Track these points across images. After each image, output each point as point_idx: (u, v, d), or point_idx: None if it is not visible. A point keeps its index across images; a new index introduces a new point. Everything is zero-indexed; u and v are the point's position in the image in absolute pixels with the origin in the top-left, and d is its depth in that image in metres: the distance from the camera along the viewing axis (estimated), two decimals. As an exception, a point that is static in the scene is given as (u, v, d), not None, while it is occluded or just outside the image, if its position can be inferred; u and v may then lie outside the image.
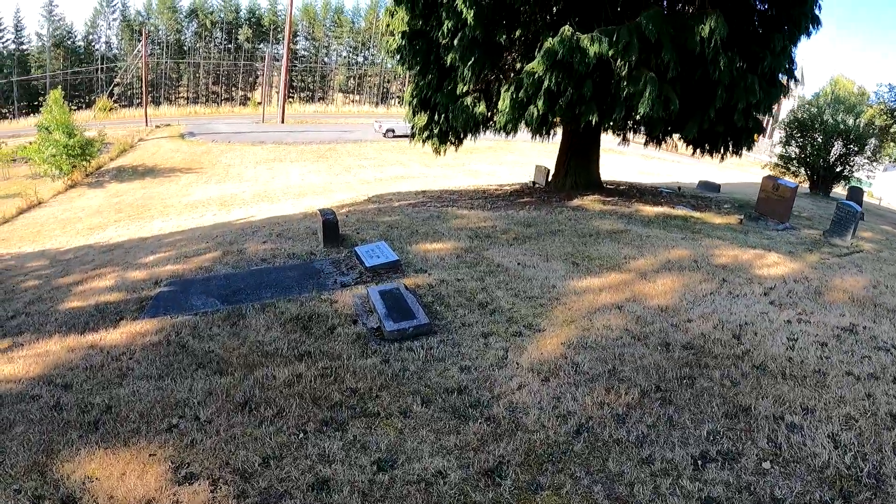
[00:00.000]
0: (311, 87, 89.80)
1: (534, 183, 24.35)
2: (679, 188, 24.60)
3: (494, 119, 17.61)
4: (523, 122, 16.69)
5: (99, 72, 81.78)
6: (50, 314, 10.48)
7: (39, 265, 17.99)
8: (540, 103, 15.65)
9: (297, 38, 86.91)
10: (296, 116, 66.62)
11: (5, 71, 76.09)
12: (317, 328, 8.36)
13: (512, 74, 18.26)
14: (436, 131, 20.52)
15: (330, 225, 12.43)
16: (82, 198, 35.00)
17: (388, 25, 20.34)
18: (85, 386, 7.15)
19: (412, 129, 21.54)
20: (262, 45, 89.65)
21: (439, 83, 19.12)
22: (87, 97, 79.53)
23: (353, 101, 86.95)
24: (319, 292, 9.84)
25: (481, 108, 17.89)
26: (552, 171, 23.47)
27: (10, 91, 75.87)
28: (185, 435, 5.77)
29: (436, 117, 20.07)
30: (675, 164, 46.85)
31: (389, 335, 7.81)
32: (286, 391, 6.51)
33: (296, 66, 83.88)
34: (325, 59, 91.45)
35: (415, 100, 20.49)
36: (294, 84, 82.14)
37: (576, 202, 18.38)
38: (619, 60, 14.95)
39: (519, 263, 11.19)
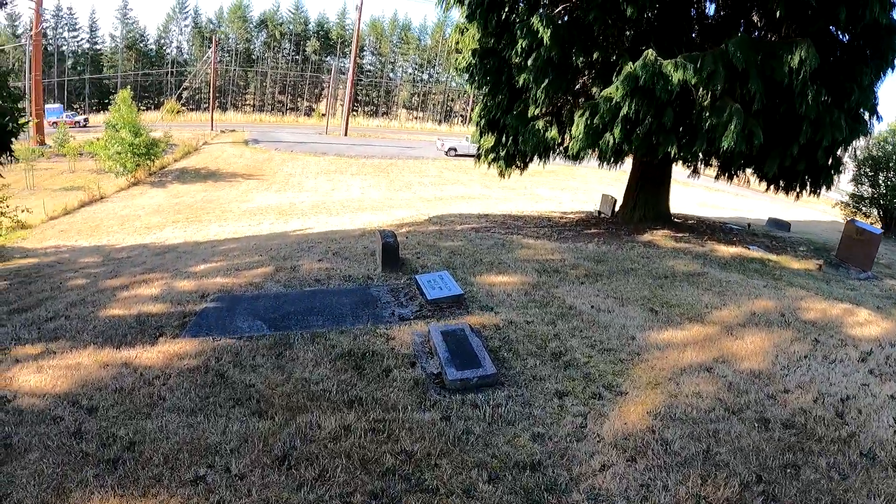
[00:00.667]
0: (375, 102, 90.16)
1: (599, 213, 23.24)
2: (749, 225, 23.16)
3: (566, 145, 16.61)
4: (597, 149, 15.66)
5: (169, 75, 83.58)
6: (89, 320, 9.83)
7: (91, 262, 17.65)
8: (616, 131, 14.65)
9: (364, 53, 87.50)
10: (359, 130, 66.70)
11: (78, 69, 78.22)
12: (370, 368, 7.44)
13: (583, 99, 17.32)
14: (502, 154, 19.61)
15: (390, 248, 11.58)
16: (143, 196, 35.14)
17: (456, 43, 19.60)
18: (111, 412, 6.38)
19: (478, 150, 20.67)
20: (328, 58, 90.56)
21: (509, 104, 18.23)
22: (157, 99, 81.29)
23: (415, 118, 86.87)
24: (375, 324, 8.94)
25: (553, 133, 16.93)
26: (618, 202, 22.37)
27: (83, 88, 78.03)
28: (213, 492, 4.89)
29: (503, 139, 19.18)
30: (739, 197, 44.75)
31: (451, 384, 6.84)
32: (332, 446, 5.58)
33: (361, 80, 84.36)
34: (391, 75, 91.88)
35: (483, 120, 19.63)
36: (358, 98, 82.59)
37: (646, 237, 17.18)
38: (701, 89, 13.91)
39: (593, 306, 10.12)
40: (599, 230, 18.75)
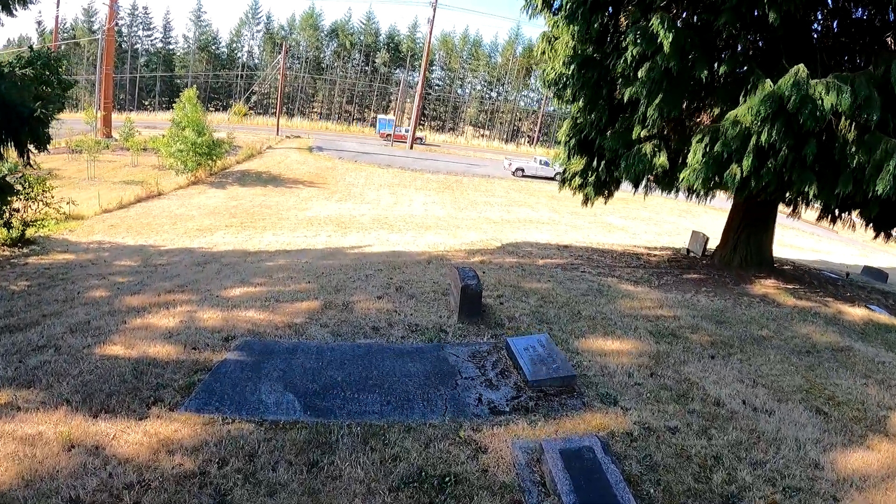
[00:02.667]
0: (442, 117, 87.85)
1: (689, 251, 20.12)
2: (847, 275, 19.77)
3: (679, 174, 13.55)
4: (720, 182, 12.60)
5: (238, 78, 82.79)
6: (80, 359, 7.34)
7: (126, 266, 15.44)
8: (746, 163, 11.68)
9: (433, 67, 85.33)
10: (425, 144, 64.37)
11: (151, 66, 78.09)
12: (452, 510, 4.62)
13: (700, 122, 14.34)
14: (591, 179, 16.59)
15: (470, 293, 8.81)
16: (201, 196, 33.33)
17: (543, 53, 16.74)
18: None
19: (563, 174, 17.67)
20: (397, 71, 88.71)
21: (608, 123, 15.26)
22: (225, 101, 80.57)
23: (482, 136, 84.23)
24: (457, 419, 6.17)
25: (661, 159, 13.86)
26: (710, 240, 19.27)
27: (154, 85, 77.90)
28: None
29: (594, 163, 16.18)
30: (814, 237, 40.19)
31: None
32: None
33: (429, 94, 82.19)
34: (459, 91, 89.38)
35: (572, 140, 16.57)
36: (426, 112, 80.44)
37: (757, 288, 14.08)
38: (843, 118, 11.12)
39: (745, 401, 7.19)
40: (699, 275, 15.63)
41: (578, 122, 16.35)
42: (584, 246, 21.13)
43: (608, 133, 15.11)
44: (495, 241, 20.96)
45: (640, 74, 12.74)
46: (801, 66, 11.03)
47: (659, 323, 9.94)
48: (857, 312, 12.93)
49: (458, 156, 58.54)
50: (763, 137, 11.20)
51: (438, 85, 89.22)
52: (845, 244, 35.12)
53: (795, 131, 11.19)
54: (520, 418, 6.25)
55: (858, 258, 29.16)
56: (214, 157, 38.19)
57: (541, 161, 49.77)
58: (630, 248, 21.25)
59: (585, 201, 17.62)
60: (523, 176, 48.13)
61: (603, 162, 15.79)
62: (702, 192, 16.71)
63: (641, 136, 14.05)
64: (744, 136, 11.53)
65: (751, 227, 17.16)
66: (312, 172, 41.63)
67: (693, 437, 6.14)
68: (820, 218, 17.04)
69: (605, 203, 18.04)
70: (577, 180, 17.09)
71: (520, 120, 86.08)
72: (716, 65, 13.46)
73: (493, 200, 37.74)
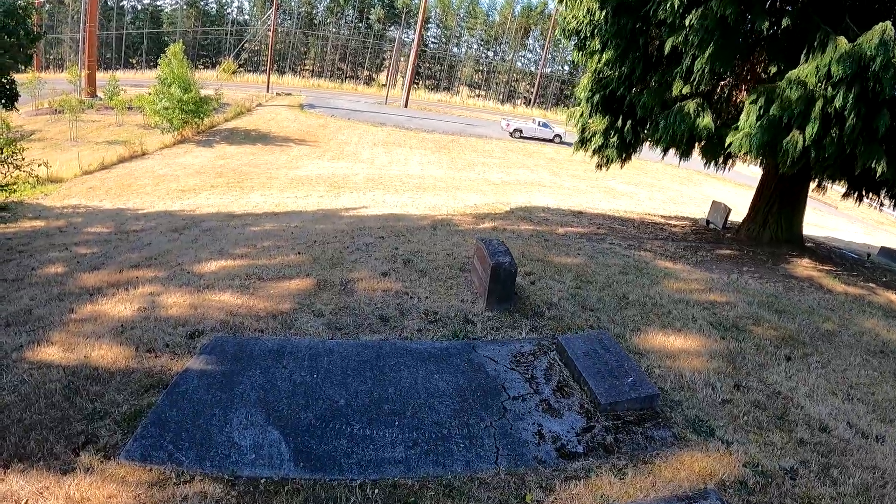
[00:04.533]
0: (437, 76, 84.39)
1: (708, 222, 18.18)
2: (868, 255, 17.94)
3: (727, 139, 11.53)
4: (777, 150, 10.66)
5: (228, 35, 78.74)
6: (4, 370, 5.37)
7: (97, 233, 13.44)
8: (810, 130, 9.76)
9: (429, 25, 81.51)
10: (419, 103, 61.47)
11: (137, 24, 74.44)
12: None
13: (743, 82, 12.37)
14: (614, 140, 14.50)
15: (504, 274, 6.85)
16: (187, 155, 31.03)
17: (560, 1, 14.62)
18: None
19: (581, 133, 15.53)
20: (392, 28, 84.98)
21: (642, 77, 13.14)
22: (214, 58, 76.73)
23: (478, 96, 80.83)
24: (515, 469, 4.35)
25: (706, 120, 11.82)
26: (731, 211, 17.42)
27: (141, 43, 74.08)
28: None
29: (619, 122, 14.06)
30: (815, 211, 38.07)
31: None
32: None
33: (424, 52, 78.72)
34: (455, 50, 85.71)
35: (595, 96, 14.37)
36: (420, 71, 76.97)
37: (797, 269, 12.32)
38: None
39: (849, 423, 5.48)
40: (732, 251, 13.77)
41: (603, 76, 14.18)
42: (599, 213, 19.18)
43: (641, 89, 13.06)
44: (502, 205, 18.95)
45: (688, 22, 10.68)
46: (888, 23, 9.09)
47: (716, 311, 8.09)
48: (902, 301, 11.18)
49: (454, 115, 55.83)
50: (837, 102, 9.39)
51: (434, 43, 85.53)
52: (849, 221, 33.13)
53: (870, 98, 9.41)
54: (601, 464, 4.39)
55: (864, 236, 27.32)
56: (202, 115, 35.68)
57: (539, 122, 47.46)
58: (647, 217, 19.35)
59: (604, 164, 15.61)
60: (521, 137, 45.77)
61: (629, 121, 13.72)
62: (723, 162, 14.90)
63: (683, 92, 12.02)
64: (807, 99, 9.72)
65: (782, 201, 15.30)
66: (304, 130, 39.19)
67: (816, 483, 4.44)
68: (846, 196, 15.40)
69: (607, 169, 16.04)
70: (597, 141, 15.00)
71: (517, 81, 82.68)
72: (781, 18, 11.40)
73: (491, 161, 35.55)
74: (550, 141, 45.54)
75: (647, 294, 8.47)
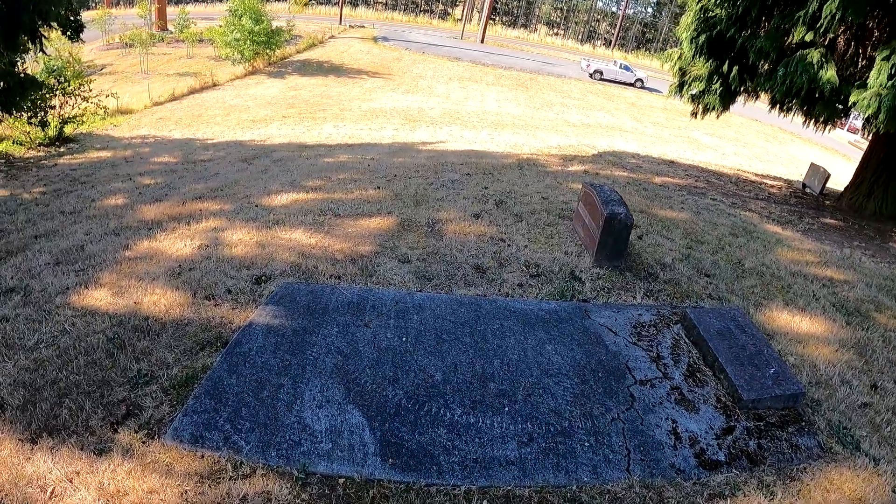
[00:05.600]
0: (514, 13, 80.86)
1: (804, 185, 16.31)
2: None
3: (850, 97, 9.94)
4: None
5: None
6: (46, 317, 4.74)
7: (164, 163, 12.84)
8: None
9: (507, -43, 78.29)
10: (495, 38, 58.85)
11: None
12: None
13: (870, 34, 10.73)
14: (717, 87, 12.84)
15: (618, 227, 5.73)
16: (258, 86, 30.36)
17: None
18: None
19: (681, 77, 13.85)
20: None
21: (757, 19, 11.44)
22: (289, -11, 75.87)
23: (556, 34, 76.96)
24: (650, 480, 3.43)
25: (830, 73, 10.17)
26: (830, 177, 15.59)
27: (210, -25, 73.67)
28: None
29: (725, 67, 12.36)
30: None
31: None
32: None
33: (501, -15, 75.70)
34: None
35: (701, 37, 12.58)
36: (497, 6, 73.76)
37: None
38: None
39: None
40: (836, 220, 12.22)
41: (710, 15, 12.45)
42: (691, 164, 17.56)
43: (754, 31, 11.41)
44: (587, 147, 17.54)
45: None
46: None
47: (836, 291, 6.95)
48: None
49: (532, 53, 53.22)
50: None
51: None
52: None
53: None
54: (746, 480, 3.53)
55: None
56: (273, 47, 34.86)
57: (620, 65, 44.65)
58: (740, 173, 17.65)
59: (701, 112, 13.99)
60: (601, 79, 43.18)
61: (736, 67, 12.06)
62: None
63: (806, 39, 10.34)
64: None
65: (891, 173, 13.45)
66: (377, 63, 37.96)
67: None
68: None
69: (702, 118, 14.38)
70: (698, 86, 13.38)
71: (597, 21, 78.26)
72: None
73: (570, 102, 33.62)
74: (631, 85, 42.92)
75: (762, 262, 7.31)
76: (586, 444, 3.45)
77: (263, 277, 5.23)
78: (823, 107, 11.38)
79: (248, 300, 4.79)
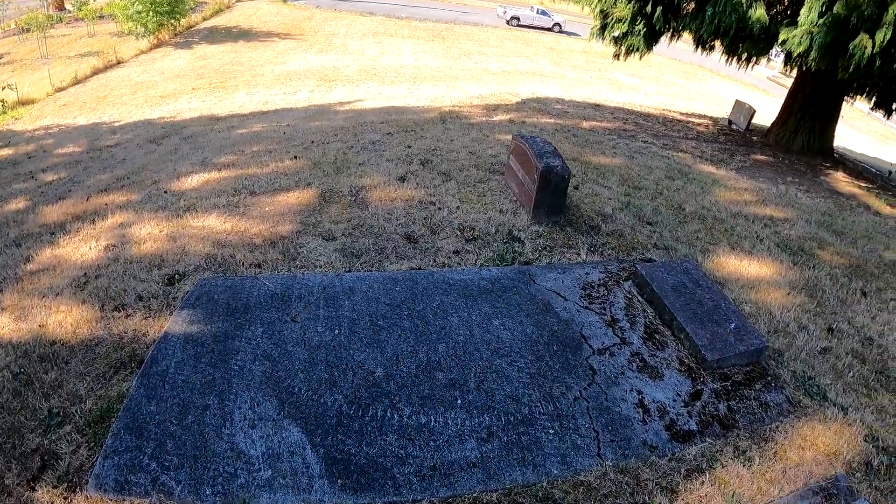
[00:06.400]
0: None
1: (730, 122, 16.49)
2: (890, 172, 16.37)
3: (780, 36, 9.87)
4: (843, 53, 9.22)
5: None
6: None
7: (71, 152, 11.87)
8: (880, 36, 8.49)
9: None
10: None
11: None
12: None
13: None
14: (640, 28, 12.56)
15: (555, 180, 5.39)
16: (165, 59, 28.60)
17: None
18: None
19: (603, 19, 13.50)
20: None
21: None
22: (189, -48, 71.68)
23: (470, -19, 75.83)
24: (623, 463, 3.15)
25: (759, 11, 10.10)
26: (755, 113, 15.82)
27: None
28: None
29: (649, 8, 12.07)
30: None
31: None
32: None
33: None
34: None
35: None
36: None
37: (838, 184, 11.20)
38: None
39: None
40: (766, 157, 12.48)
41: None
42: (617, 106, 17.38)
43: None
44: (510, 95, 17.14)
45: None
46: None
47: (778, 230, 7.00)
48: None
49: (447, 3, 51.73)
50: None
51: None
52: (857, 132, 30.84)
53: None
54: (721, 448, 3.37)
55: (875, 150, 25.46)
56: (177, 16, 32.78)
57: (537, 10, 43.90)
58: (666, 113, 17.64)
59: (624, 54, 13.75)
60: (518, 25, 42.42)
61: (660, 7, 11.79)
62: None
63: None
64: (881, 1, 8.42)
65: (817, 109, 13.76)
66: (288, 23, 36.29)
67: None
68: (876, 108, 13.93)
69: (625, 60, 14.14)
70: (621, 28, 13.07)
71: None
72: None
73: (488, 50, 32.97)
74: (549, 30, 42.30)
75: (702, 205, 7.20)
76: (551, 431, 3.14)
77: (177, 276, 4.68)
78: (752, 45, 11.30)
79: (162, 305, 4.26)
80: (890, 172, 16.37)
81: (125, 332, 3.99)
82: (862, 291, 5.71)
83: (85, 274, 4.88)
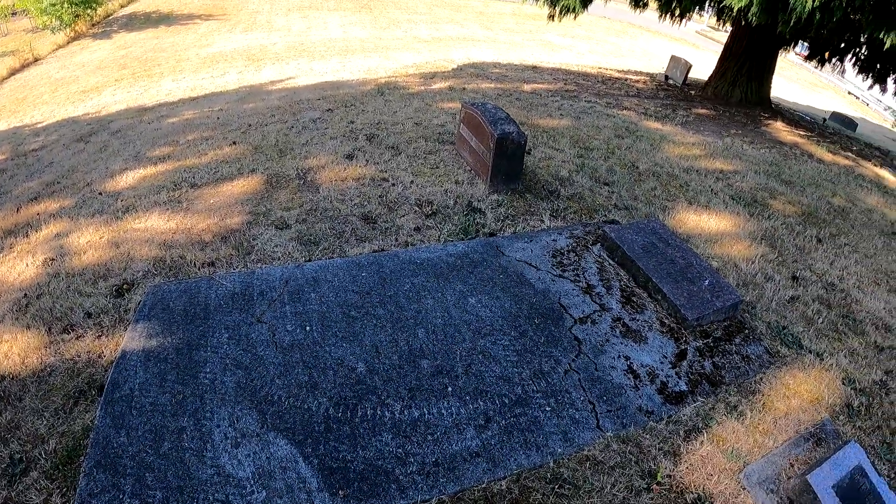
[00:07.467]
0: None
1: (666, 77, 16.48)
2: (824, 120, 16.78)
3: None
4: (783, 9, 9.17)
5: None
6: None
7: (-8, 163, 10.91)
8: None
9: None
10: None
11: None
12: None
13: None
14: None
15: (512, 147, 5.15)
16: (84, 51, 27.03)
17: None
18: None
19: None
20: None
21: None
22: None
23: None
24: (624, 432, 3.01)
25: None
26: (691, 67, 15.92)
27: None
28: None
29: None
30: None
31: None
32: None
33: None
34: None
35: None
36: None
37: (781, 134, 11.22)
38: None
39: None
40: (707, 110, 12.48)
41: None
42: (554, 67, 17.13)
43: None
44: (445, 62, 16.72)
45: None
46: None
47: (730, 182, 7.06)
48: (880, 172, 10.31)
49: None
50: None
51: None
52: (787, 80, 31.37)
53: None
54: (714, 405, 3.31)
55: (805, 97, 26.00)
56: (94, 4, 30.92)
57: (466, -26, 43.13)
58: (603, 72, 17.45)
59: (559, 14, 13.60)
60: (448, -11, 41.72)
61: None
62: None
63: None
64: None
65: (754, 61, 13.87)
66: (209, 4, 34.67)
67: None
68: (809, 59, 14.09)
69: (559, 21, 13.91)
70: None
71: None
72: None
73: (417, 18, 32.18)
74: (476, -7, 41.74)
75: (654, 162, 7.15)
76: (547, 408, 2.96)
77: (125, 286, 4.28)
78: (689, 1, 11.24)
79: (114, 320, 3.87)
80: (824, 119, 16.75)
81: (78, 356, 3.60)
82: (817, 238, 5.77)
83: (25, 295, 4.42)
